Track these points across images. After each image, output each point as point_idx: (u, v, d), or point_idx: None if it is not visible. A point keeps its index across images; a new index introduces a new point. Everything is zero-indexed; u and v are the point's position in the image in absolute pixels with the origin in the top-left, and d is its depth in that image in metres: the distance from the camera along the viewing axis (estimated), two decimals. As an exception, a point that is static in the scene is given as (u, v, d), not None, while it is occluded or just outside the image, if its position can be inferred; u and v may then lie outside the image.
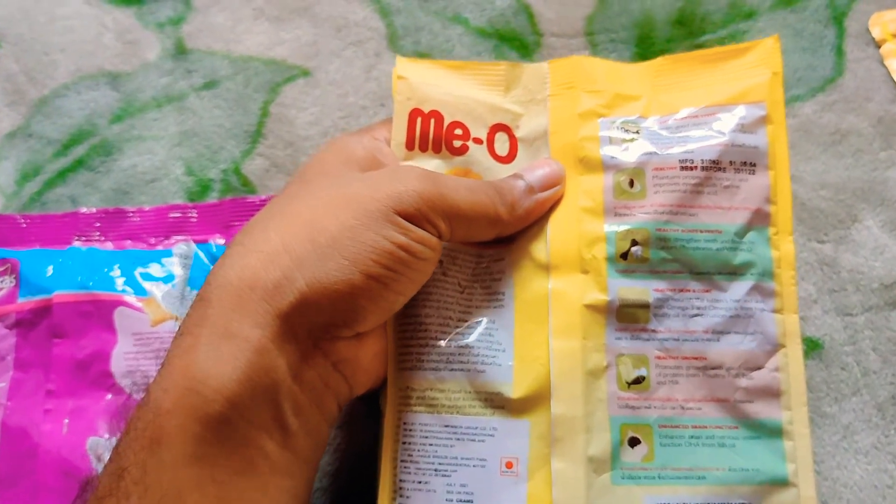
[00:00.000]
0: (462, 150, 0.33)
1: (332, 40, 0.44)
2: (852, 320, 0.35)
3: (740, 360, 0.30)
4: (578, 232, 0.31)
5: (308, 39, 0.44)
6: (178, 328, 0.26)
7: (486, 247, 0.32)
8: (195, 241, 0.37)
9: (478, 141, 0.33)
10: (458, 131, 0.33)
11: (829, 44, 0.41)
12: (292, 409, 0.25)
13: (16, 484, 0.32)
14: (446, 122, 0.33)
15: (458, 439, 0.30)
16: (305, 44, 0.44)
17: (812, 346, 0.35)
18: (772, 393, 0.30)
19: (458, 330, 0.31)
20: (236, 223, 0.37)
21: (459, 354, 0.31)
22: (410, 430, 0.31)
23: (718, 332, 0.31)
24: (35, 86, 0.44)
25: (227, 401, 0.24)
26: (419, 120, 0.33)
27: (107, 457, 0.31)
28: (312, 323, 0.26)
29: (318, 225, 0.26)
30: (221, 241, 0.37)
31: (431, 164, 0.33)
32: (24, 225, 0.37)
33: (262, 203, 0.37)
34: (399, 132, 0.33)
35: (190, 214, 0.38)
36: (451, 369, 0.31)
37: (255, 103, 0.43)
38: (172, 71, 0.44)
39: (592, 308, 0.31)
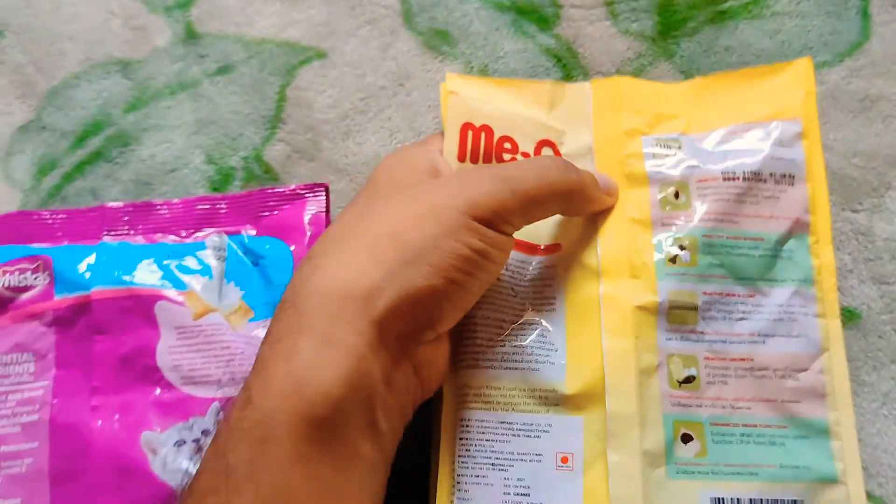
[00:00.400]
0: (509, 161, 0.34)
1: (346, 19, 0.43)
2: (889, 289, 0.36)
3: (786, 362, 0.31)
4: (629, 240, 0.33)
5: (321, 19, 0.43)
6: (266, 335, 0.27)
7: (536, 254, 0.33)
8: (226, 233, 0.36)
9: (525, 155, 0.34)
10: (507, 145, 0.34)
11: (855, 7, 0.40)
12: (383, 413, 0.27)
13: (70, 482, 0.32)
14: (496, 136, 0.34)
15: (515, 435, 0.31)
16: (319, 24, 0.43)
17: (850, 316, 0.35)
18: (818, 394, 0.31)
19: (511, 331, 0.32)
20: (265, 213, 0.37)
21: (514, 354, 0.32)
22: (468, 427, 0.31)
23: (764, 335, 0.31)
24: (44, 76, 0.43)
25: (331, 404, 0.25)
26: (470, 133, 0.34)
27: (162, 451, 0.31)
28: (401, 329, 0.27)
29: (403, 237, 0.28)
30: (253, 232, 0.37)
31: None
32: (51, 221, 0.37)
33: (293, 193, 0.37)
34: (451, 144, 0.34)
35: (219, 206, 0.37)
36: (506, 368, 0.31)
37: (271, 87, 0.42)
38: (184, 56, 0.43)
39: (643, 309, 0.31)
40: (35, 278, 0.35)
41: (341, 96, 0.42)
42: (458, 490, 0.31)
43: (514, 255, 0.33)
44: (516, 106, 0.35)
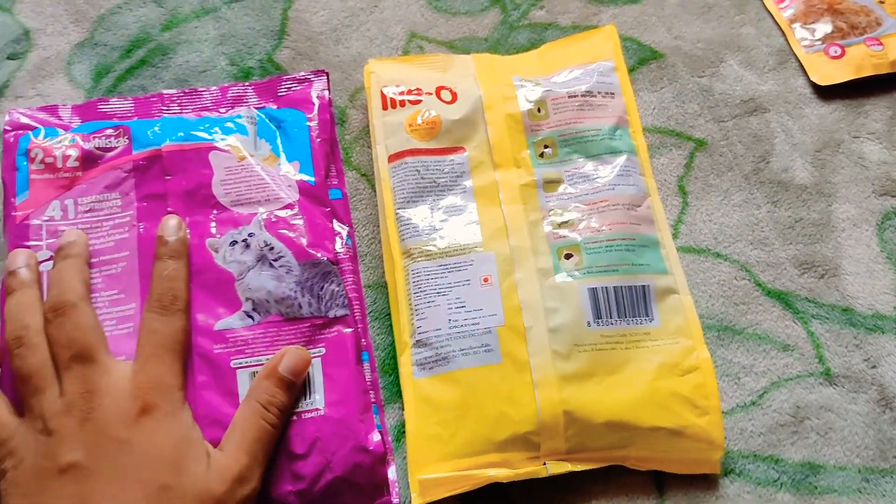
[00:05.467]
0: (417, 102, 0.49)
1: (328, -39, 0.56)
2: (724, 125, 0.52)
3: (628, 200, 0.46)
4: (511, 143, 0.48)
5: (309, -39, 0.56)
6: None
7: (447, 154, 0.47)
8: (255, 108, 0.49)
9: (428, 94, 0.49)
10: (414, 91, 0.49)
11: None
12: None
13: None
14: (405, 89, 0.49)
15: (449, 271, 0.45)
16: (307, -35, 0.56)
17: (700, 144, 0.51)
18: (649, 220, 0.46)
19: (437, 211, 0.46)
20: (283, 93, 0.50)
21: (442, 223, 0.46)
22: (416, 273, 0.45)
23: (613, 185, 0.47)
24: (93, 7, 0.55)
25: None
26: (388, 92, 0.49)
27: (221, 250, 0.43)
28: None
29: None
30: (274, 106, 0.49)
31: (400, 115, 0.48)
32: (121, 105, 0.48)
33: (302, 78, 0.50)
34: (376, 103, 0.49)
35: (248, 90, 0.50)
36: (439, 234, 0.45)
37: (276, 10, 0.55)
38: (204, -10, 0.55)
39: (526, 186, 0.47)
40: (117, 141, 0.46)
41: (331, 15, 0.55)
42: (416, 313, 0.44)
43: (432, 158, 0.47)
44: (419, 72, 0.50)
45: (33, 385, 0.38)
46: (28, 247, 0.43)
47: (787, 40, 0.54)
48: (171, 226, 0.43)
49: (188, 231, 0.44)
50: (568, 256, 0.45)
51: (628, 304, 0.44)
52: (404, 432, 0.43)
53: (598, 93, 0.49)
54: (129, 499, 0.35)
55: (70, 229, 0.44)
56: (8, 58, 0.53)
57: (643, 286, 0.44)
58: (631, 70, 0.53)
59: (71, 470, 0.35)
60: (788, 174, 0.50)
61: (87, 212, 0.44)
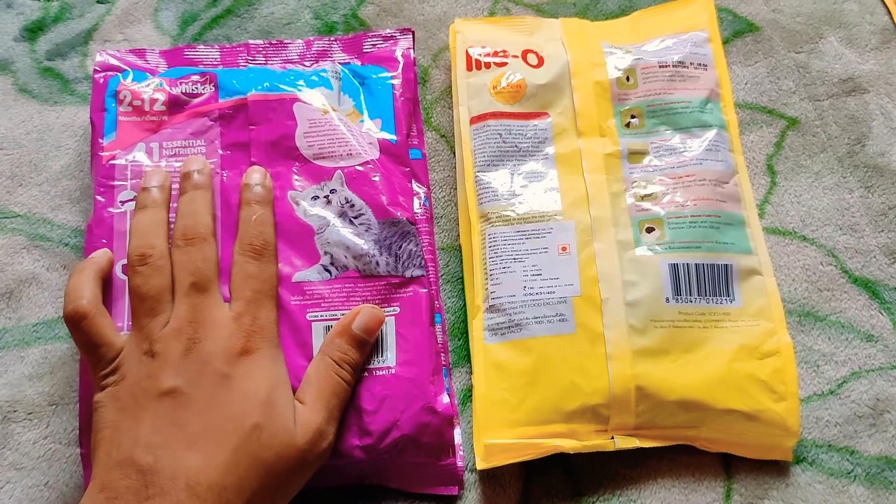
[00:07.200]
0: (503, 64, 0.48)
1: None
2: (820, 104, 0.50)
3: (716, 176, 0.45)
4: (597, 111, 0.47)
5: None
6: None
7: (531, 119, 0.47)
8: (339, 63, 0.49)
9: (514, 56, 0.48)
10: (500, 53, 0.48)
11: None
12: None
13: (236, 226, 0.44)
14: (490, 50, 0.48)
15: (528, 238, 0.44)
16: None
17: (793, 122, 0.49)
18: (736, 198, 0.45)
19: (517, 175, 0.46)
20: (367, 49, 0.49)
21: (522, 188, 0.45)
22: (493, 237, 0.44)
23: (701, 159, 0.45)
24: (181, -46, 0.55)
25: None
26: (473, 53, 0.48)
27: (302, 203, 0.43)
28: None
29: None
30: (358, 63, 0.49)
31: (485, 77, 0.48)
32: (207, 52, 0.49)
33: (388, 35, 0.49)
34: (461, 64, 0.48)
35: (333, 45, 0.49)
36: (518, 200, 0.45)
37: (362, -35, 0.54)
38: (292, -58, 0.55)
39: (610, 156, 0.46)
40: (204, 88, 0.47)
41: (417, -27, 0.54)
42: (490, 278, 0.44)
43: (515, 122, 0.46)
44: (505, 33, 0.50)
45: (149, 306, 0.38)
46: (113, 186, 0.44)
47: (891, 19, 0.52)
48: (257, 175, 0.44)
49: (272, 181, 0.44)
50: (649, 230, 0.44)
51: (709, 282, 0.43)
52: (470, 396, 0.43)
53: (691, 64, 0.47)
54: (225, 430, 0.36)
55: (193, 156, 0.44)
56: (98, 1, 0.54)
57: (726, 265, 0.43)
58: (725, 42, 0.51)
59: (171, 394, 0.36)
60: (885, 159, 0.48)
61: (171, 156, 0.45)
